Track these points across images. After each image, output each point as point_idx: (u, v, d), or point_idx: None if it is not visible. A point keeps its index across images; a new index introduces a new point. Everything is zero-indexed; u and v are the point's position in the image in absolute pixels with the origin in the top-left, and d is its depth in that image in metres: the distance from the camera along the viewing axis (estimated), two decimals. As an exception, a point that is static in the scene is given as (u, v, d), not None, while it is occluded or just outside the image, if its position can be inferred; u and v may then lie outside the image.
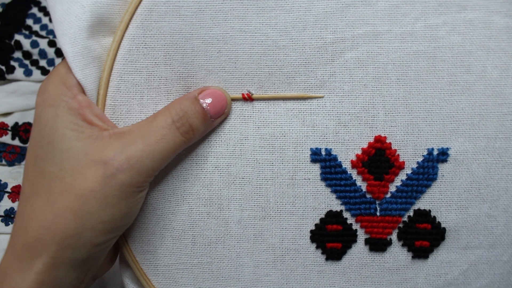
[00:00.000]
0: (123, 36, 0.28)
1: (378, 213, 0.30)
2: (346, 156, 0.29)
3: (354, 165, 0.29)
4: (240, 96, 0.29)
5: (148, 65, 0.29)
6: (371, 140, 0.29)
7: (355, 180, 0.29)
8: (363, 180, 0.29)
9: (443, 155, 0.29)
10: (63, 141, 0.26)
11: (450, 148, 0.29)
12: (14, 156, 0.40)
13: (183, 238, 0.31)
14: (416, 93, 0.28)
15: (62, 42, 0.27)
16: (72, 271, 0.26)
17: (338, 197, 0.30)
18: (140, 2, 0.28)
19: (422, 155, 0.29)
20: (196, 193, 0.30)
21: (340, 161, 0.29)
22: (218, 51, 0.29)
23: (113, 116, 0.29)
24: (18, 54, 0.40)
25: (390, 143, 0.29)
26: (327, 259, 0.30)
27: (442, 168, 0.29)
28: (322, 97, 0.29)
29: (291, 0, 0.28)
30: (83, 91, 0.28)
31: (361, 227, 0.30)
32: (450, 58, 0.28)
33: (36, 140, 0.27)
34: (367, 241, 0.30)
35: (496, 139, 0.28)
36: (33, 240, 0.25)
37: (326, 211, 0.30)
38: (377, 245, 0.30)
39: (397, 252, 0.30)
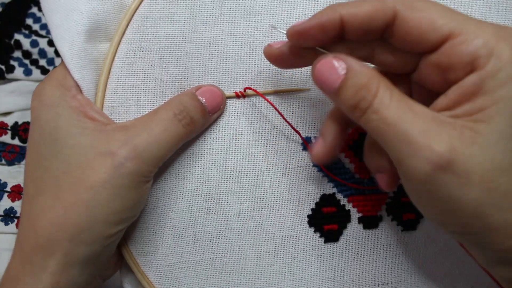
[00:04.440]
0: (120, 40, 0.30)
1: (366, 192, 0.32)
2: (334, 142, 0.32)
3: (341, 149, 0.32)
4: (233, 94, 0.31)
5: (144, 68, 0.30)
6: (355, 125, 0.32)
7: (344, 163, 0.32)
8: (351, 162, 0.32)
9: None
10: (68, 138, 0.26)
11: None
12: (14, 156, 0.39)
13: (184, 235, 0.31)
14: (388, 81, 0.32)
15: (60, 45, 0.28)
16: (85, 268, 0.25)
17: (330, 181, 0.32)
18: (137, 9, 0.30)
19: (400, 136, 0.32)
20: (194, 189, 0.31)
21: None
22: (210, 53, 0.31)
23: (111, 117, 0.30)
24: (17, 54, 0.40)
25: (371, 127, 0.32)
26: (325, 241, 0.32)
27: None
28: (309, 89, 0.32)
29: (274, 5, 0.31)
30: (81, 92, 0.29)
31: (353, 206, 0.32)
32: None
33: (38, 140, 0.27)
34: (360, 220, 0.32)
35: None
36: (45, 239, 0.24)
37: (320, 195, 0.32)
38: (369, 222, 0.32)
39: (388, 227, 0.32)
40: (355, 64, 0.23)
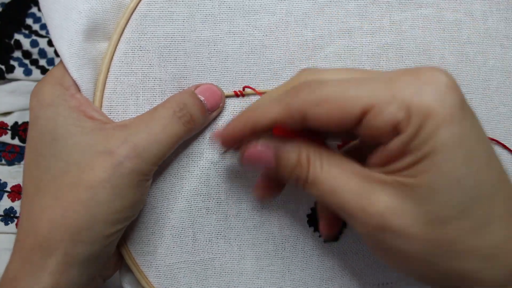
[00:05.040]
0: (119, 39, 0.30)
1: (367, 192, 0.32)
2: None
3: (340, 148, 0.32)
4: (232, 93, 0.31)
5: (143, 67, 0.30)
6: (355, 124, 0.32)
7: (344, 162, 0.32)
8: (351, 162, 0.32)
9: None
10: (67, 137, 0.26)
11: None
12: (14, 156, 0.39)
13: (183, 235, 0.31)
14: (388, 80, 0.32)
15: (59, 45, 0.28)
16: (85, 268, 0.25)
17: (330, 180, 0.32)
18: (135, 8, 0.30)
19: (400, 135, 0.32)
20: (194, 189, 0.31)
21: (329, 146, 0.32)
22: (209, 52, 0.31)
23: (109, 116, 0.29)
24: (17, 54, 0.40)
25: (371, 126, 0.32)
26: (325, 241, 0.32)
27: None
28: (308, 89, 0.32)
29: (273, 3, 0.31)
30: (79, 91, 0.28)
31: (354, 206, 0.32)
32: (414, 48, 0.32)
33: (37, 140, 0.26)
34: (360, 220, 0.32)
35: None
36: (44, 239, 0.24)
37: (320, 195, 0.32)
38: (370, 222, 0.32)
39: (388, 228, 0.32)
40: (281, 144, 0.24)
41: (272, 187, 0.28)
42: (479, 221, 0.20)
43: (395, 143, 0.21)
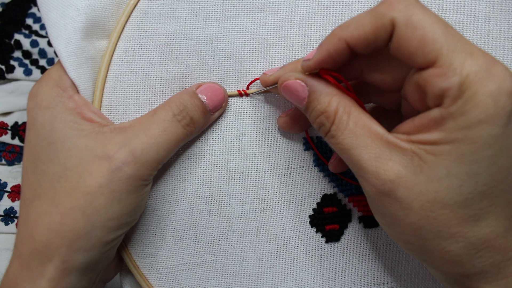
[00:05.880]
0: (119, 37, 0.29)
1: (369, 193, 0.32)
2: (337, 142, 0.32)
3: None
4: (236, 92, 0.31)
5: (144, 66, 0.29)
6: (358, 126, 0.32)
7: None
8: (354, 163, 0.32)
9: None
10: (64, 140, 0.25)
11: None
12: (14, 156, 0.38)
13: (185, 238, 0.30)
14: (392, 82, 0.32)
15: (57, 43, 0.27)
16: (84, 274, 0.24)
17: (331, 181, 0.32)
18: (136, 5, 0.29)
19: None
20: (196, 191, 0.30)
21: (331, 147, 0.32)
22: (212, 51, 0.30)
23: (109, 116, 0.29)
24: (18, 54, 0.39)
25: (374, 127, 0.32)
26: (327, 241, 0.32)
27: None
28: (312, 89, 0.31)
29: (278, 1, 0.30)
30: (77, 92, 0.27)
31: (354, 206, 0.32)
32: (417, 50, 0.32)
33: (34, 143, 0.25)
34: (360, 219, 0.32)
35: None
36: (42, 245, 0.24)
37: (321, 195, 0.32)
38: (370, 221, 0.32)
39: (389, 228, 0.33)
40: (317, 87, 0.24)
41: (294, 123, 0.29)
42: (477, 213, 0.21)
43: (434, 113, 0.21)
